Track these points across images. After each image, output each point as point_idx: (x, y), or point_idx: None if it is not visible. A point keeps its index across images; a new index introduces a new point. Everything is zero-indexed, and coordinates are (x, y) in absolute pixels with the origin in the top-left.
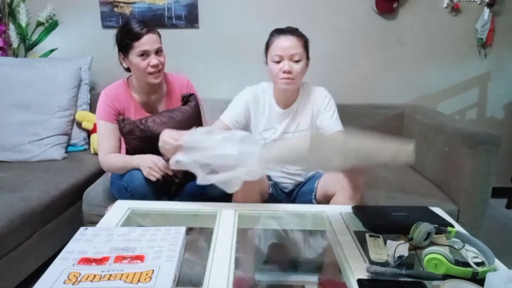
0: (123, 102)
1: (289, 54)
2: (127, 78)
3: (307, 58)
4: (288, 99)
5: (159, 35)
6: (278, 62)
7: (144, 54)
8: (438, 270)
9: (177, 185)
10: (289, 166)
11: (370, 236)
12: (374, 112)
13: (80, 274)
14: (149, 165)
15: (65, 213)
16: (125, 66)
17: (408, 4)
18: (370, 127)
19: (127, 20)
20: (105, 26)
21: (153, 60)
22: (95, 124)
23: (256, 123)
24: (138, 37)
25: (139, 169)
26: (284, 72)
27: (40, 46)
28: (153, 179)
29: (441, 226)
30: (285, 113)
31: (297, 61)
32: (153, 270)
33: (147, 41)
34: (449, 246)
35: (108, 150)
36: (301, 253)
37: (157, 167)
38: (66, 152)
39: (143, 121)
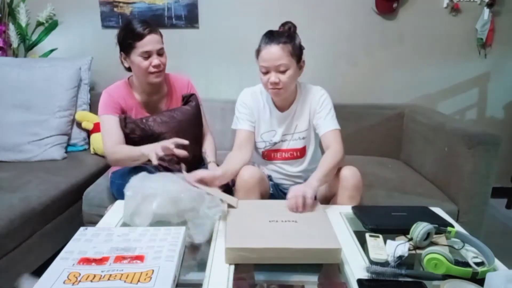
0: (125, 102)
1: (274, 66)
2: (128, 78)
3: (298, 61)
4: (286, 102)
5: (161, 36)
6: (265, 73)
7: (146, 54)
8: (438, 270)
9: None
10: None
11: (370, 236)
12: (374, 112)
13: (80, 274)
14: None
15: (65, 213)
16: (126, 65)
17: (408, 4)
18: (370, 127)
19: (130, 19)
20: (105, 26)
21: (155, 60)
22: (95, 124)
23: (258, 125)
24: (140, 37)
25: (140, 169)
26: (271, 83)
27: (40, 46)
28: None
29: (441, 226)
30: (283, 116)
31: (283, 72)
32: (153, 270)
33: (149, 42)
34: (449, 246)
35: (114, 142)
36: None
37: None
38: (66, 152)
39: (144, 120)
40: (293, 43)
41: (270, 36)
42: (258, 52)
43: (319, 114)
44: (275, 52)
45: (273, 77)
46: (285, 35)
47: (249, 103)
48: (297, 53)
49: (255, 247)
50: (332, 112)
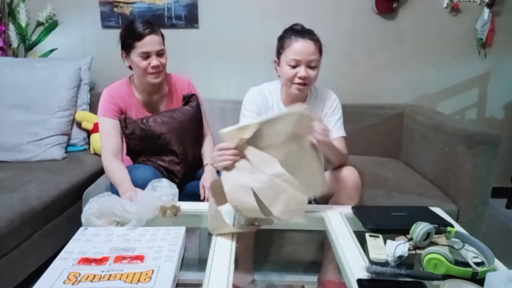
0: (125, 101)
1: (307, 60)
2: (130, 77)
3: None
4: (297, 102)
5: (163, 37)
6: (294, 66)
7: (145, 54)
8: (438, 270)
9: (177, 185)
10: None
11: (370, 236)
12: (374, 112)
13: (80, 274)
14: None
15: (65, 213)
16: (127, 64)
17: (408, 4)
18: (370, 127)
19: (133, 19)
20: (105, 26)
21: (154, 61)
22: (95, 124)
23: None
24: (140, 37)
25: (139, 170)
26: (300, 78)
27: (40, 46)
28: None
29: (441, 226)
30: None
31: (313, 68)
32: (153, 270)
33: (149, 42)
34: (449, 246)
35: (111, 149)
36: (301, 253)
37: None
38: (66, 152)
39: (144, 121)
40: (320, 43)
41: (302, 31)
42: (285, 44)
43: (330, 118)
44: (311, 46)
45: (303, 71)
46: (315, 34)
47: (258, 101)
48: (321, 54)
49: (245, 124)
50: (341, 118)
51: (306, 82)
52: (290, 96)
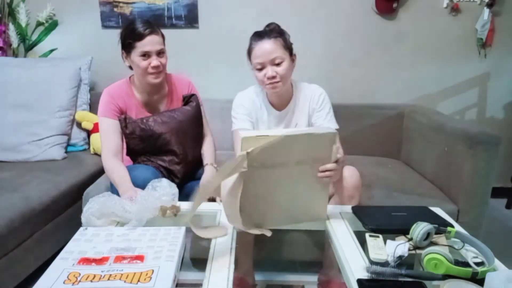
0: (125, 101)
1: (269, 60)
2: (130, 77)
3: (291, 54)
4: (283, 101)
5: (163, 37)
6: (261, 69)
7: (146, 54)
8: (438, 270)
9: (177, 185)
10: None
11: (370, 236)
12: (374, 112)
13: (80, 274)
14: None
15: (65, 213)
16: (127, 64)
17: (408, 4)
18: (370, 127)
19: (133, 19)
20: (105, 26)
21: (154, 61)
22: (95, 124)
23: (257, 127)
24: (140, 37)
25: (139, 170)
26: (269, 78)
27: (40, 46)
28: None
29: (441, 226)
30: (281, 115)
31: (279, 64)
32: (153, 270)
33: (149, 42)
34: (449, 246)
35: (111, 150)
36: (301, 253)
37: None
38: (66, 152)
39: (145, 121)
40: (283, 37)
41: (260, 34)
42: (249, 51)
43: (319, 113)
44: (269, 46)
45: (269, 71)
46: (274, 30)
47: (246, 104)
48: (289, 46)
49: (267, 134)
50: (331, 111)
51: (276, 80)
52: (275, 97)
